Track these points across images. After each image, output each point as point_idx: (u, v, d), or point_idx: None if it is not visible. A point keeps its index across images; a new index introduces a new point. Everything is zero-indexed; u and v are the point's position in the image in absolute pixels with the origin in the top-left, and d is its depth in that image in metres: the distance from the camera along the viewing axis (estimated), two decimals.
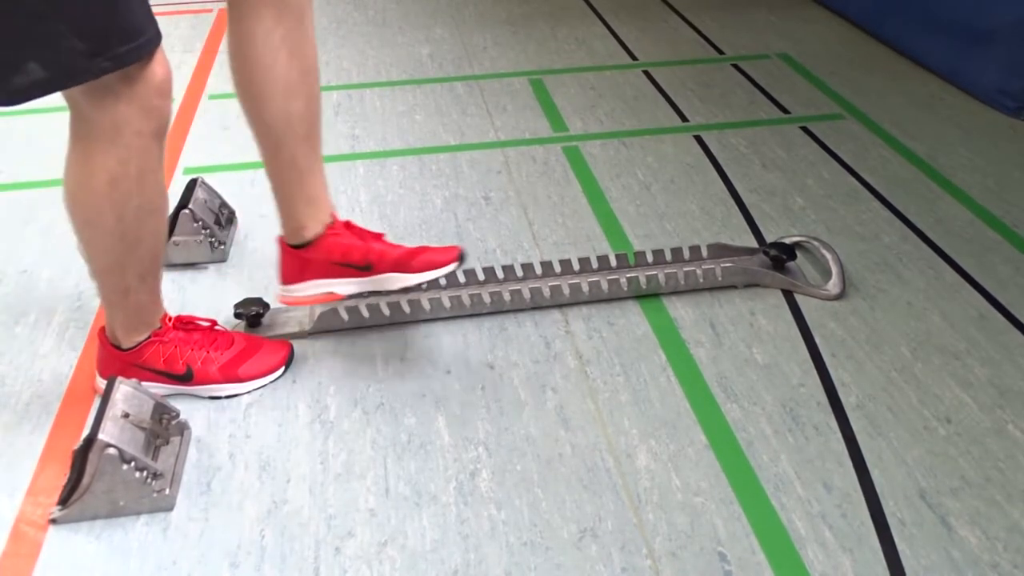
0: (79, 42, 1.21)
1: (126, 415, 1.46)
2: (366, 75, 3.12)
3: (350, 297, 1.87)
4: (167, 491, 1.46)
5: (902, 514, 1.46)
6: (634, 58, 3.28)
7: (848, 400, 1.69)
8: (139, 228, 1.45)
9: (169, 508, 1.46)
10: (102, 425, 1.40)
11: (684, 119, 2.81)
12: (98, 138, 1.34)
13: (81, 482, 1.41)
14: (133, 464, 1.41)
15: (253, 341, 1.73)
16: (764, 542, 1.41)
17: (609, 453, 1.57)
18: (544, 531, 1.42)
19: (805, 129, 2.74)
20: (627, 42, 3.43)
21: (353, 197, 2.36)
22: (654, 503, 1.47)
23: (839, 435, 1.61)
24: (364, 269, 1.64)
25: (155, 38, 1.31)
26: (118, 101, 1.30)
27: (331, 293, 1.68)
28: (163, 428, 1.53)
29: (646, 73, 3.15)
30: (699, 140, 2.67)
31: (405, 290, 1.90)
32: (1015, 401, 1.69)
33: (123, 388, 1.50)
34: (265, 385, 1.71)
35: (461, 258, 1.64)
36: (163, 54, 1.34)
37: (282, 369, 1.73)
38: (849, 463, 1.55)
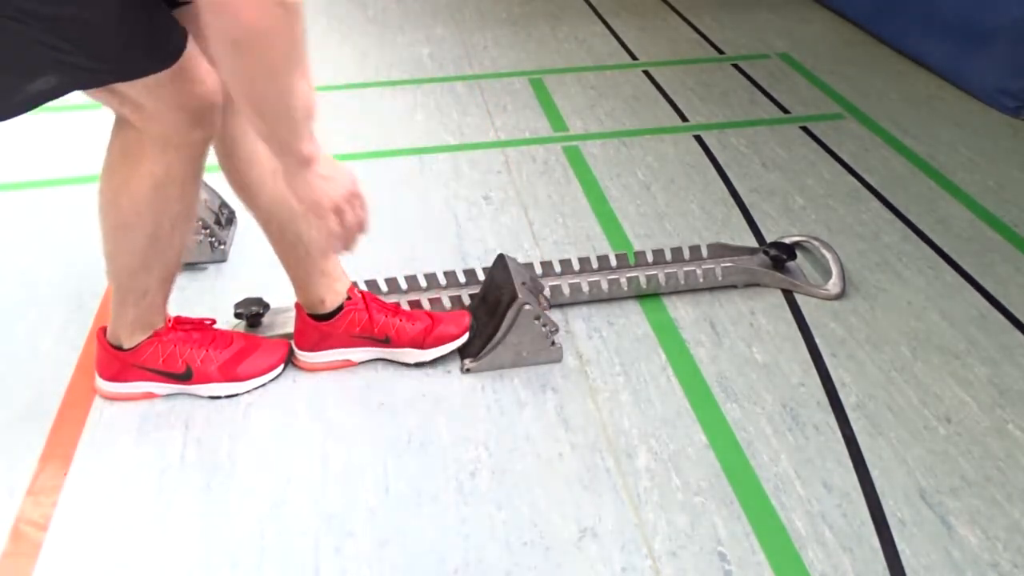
0: (85, 60, 1.20)
1: (523, 283, 1.73)
2: (366, 75, 3.12)
3: None
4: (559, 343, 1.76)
5: (902, 513, 1.46)
6: (634, 58, 3.28)
7: (848, 400, 1.69)
8: (172, 234, 1.47)
9: (559, 359, 1.76)
10: (518, 289, 1.68)
11: (684, 119, 2.81)
12: (148, 147, 1.35)
13: (495, 336, 1.69)
14: (540, 320, 1.69)
15: (252, 340, 1.73)
16: (764, 542, 1.41)
17: (609, 453, 1.57)
18: (544, 531, 1.42)
19: (805, 129, 2.74)
20: (627, 42, 3.43)
21: None
22: (654, 503, 1.47)
23: (839, 435, 1.61)
24: (383, 341, 1.72)
25: (174, 52, 1.28)
26: (171, 112, 1.31)
27: (349, 360, 1.74)
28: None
29: (646, 73, 3.15)
30: (699, 140, 2.67)
31: (405, 291, 1.91)
32: (1015, 401, 1.69)
33: None
34: (264, 384, 1.71)
35: (471, 329, 1.76)
36: (206, 63, 1.33)
37: (281, 368, 1.73)
38: (849, 463, 1.55)
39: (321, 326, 1.69)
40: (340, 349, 1.72)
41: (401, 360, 1.75)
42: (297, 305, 1.70)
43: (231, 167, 1.51)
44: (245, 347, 1.71)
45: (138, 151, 1.37)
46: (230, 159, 1.50)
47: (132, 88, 1.27)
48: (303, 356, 1.74)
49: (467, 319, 1.76)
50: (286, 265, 1.64)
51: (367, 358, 1.75)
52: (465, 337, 1.75)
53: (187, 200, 1.46)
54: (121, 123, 1.37)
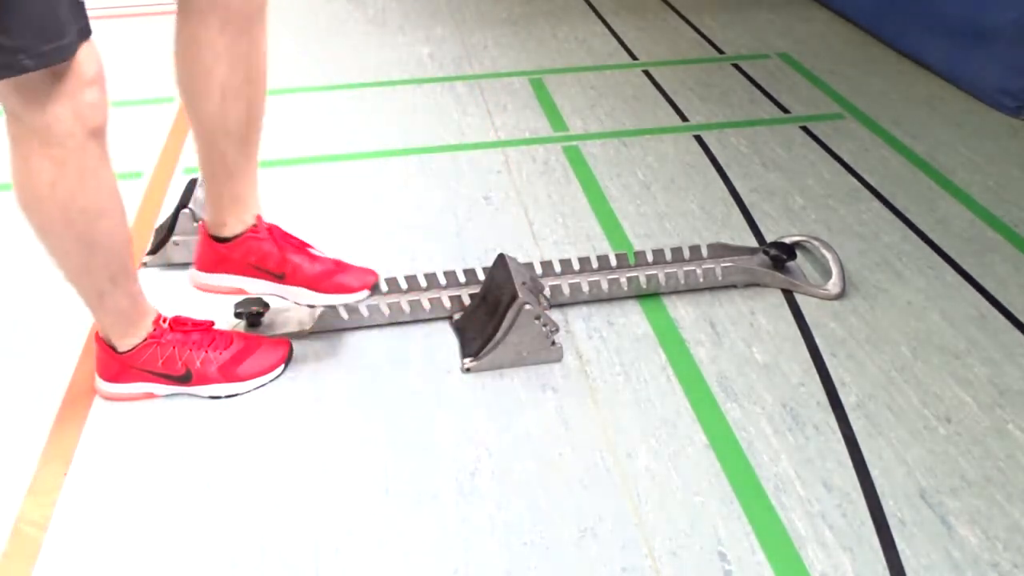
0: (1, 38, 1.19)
1: (523, 283, 1.75)
2: (366, 75, 3.12)
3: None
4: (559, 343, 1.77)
5: (902, 513, 1.46)
6: (634, 57, 3.28)
7: (848, 400, 1.69)
8: (91, 231, 1.43)
9: (559, 359, 1.77)
10: (518, 289, 1.70)
11: (684, 119, 2.81)
12: (33, 140, 1.33)
13: (495, 336, 1.70)
14: (540, 320, 1.70)
15: (252, 340, 1.73)
16: (764, 542, 1.41)
17: (609, 453, 1.57)
18: (544, 531, 1.42)
19: (805, 129, 2.74)
20: (627, 41, 3.43)
21: (353, 197, 2.36)
22: (654, 503, 1.47)
23: (839, 435, 1.61)
24: (278, 276, 1.67)
25: (80, 36, 1.28)
26: (48, 100, 1.28)
27: (241, 289, 1.69)
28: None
29: (646, 73, 3.15)
30: (699, 140, 2.67)
31: (405, 291, 1.91)
32: (1015, 401, 1.69)
33: None
34: (265, 384, 1.71)
35: (374, 288, 1.71)
36: (94, 50, 1.32)
37: (282, 367, 1.73)
38: (849, 463, 1.55)
39: (219, 247, 1.64)
40: (236, 276, 1.67)
41: (294, 299, 1.69)
42: (202, 224, 1.67)
43: (180, 65, 1.47)
44: (245, 347, 1.71)
45: (26, 146, 1.34)
46: (184, 62, 1.47)
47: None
48: (197, 276, 1.69)
49: (373, 278, 1.71)
50: (204, 177, 1.61)
51: (261, 291, 1.69)
52: (364, 294, 1.70)
53: (93, 195, 1.40)
54: (10, 124, 1.34)
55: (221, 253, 1.65)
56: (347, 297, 1.69)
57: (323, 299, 1.69)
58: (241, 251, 1.64)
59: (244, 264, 1.65)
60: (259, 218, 1.65)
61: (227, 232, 1.63)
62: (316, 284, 1.67)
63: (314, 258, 1.69)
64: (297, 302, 1.70)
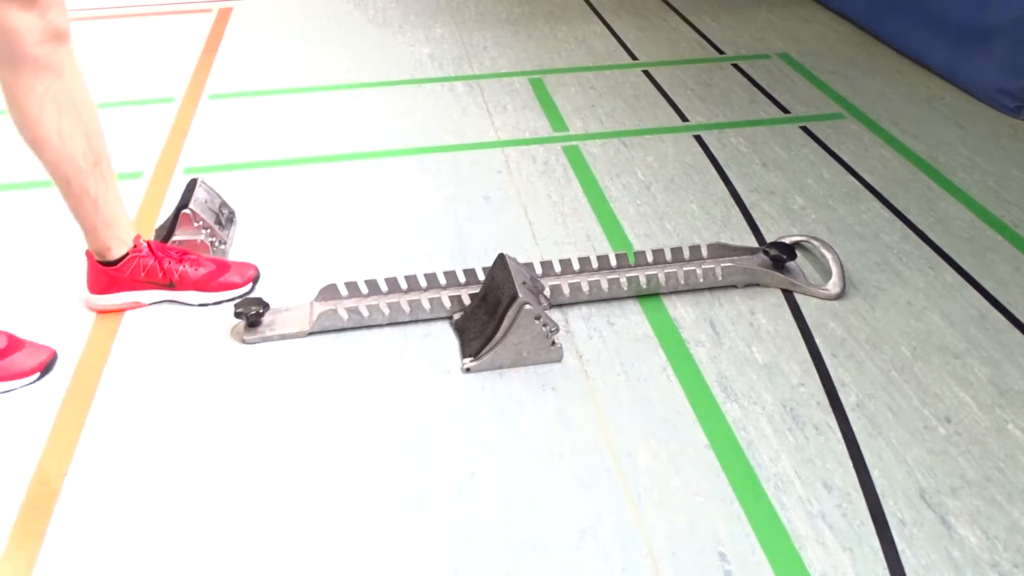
0: None
1: (523, 283, 1.76)
2: (366, 75, 3.12)
3: (349, 297, 1.88)
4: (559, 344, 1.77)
5: (902, 514, 1.46)
6: (634, 57, 3.28)
7: (848, 400, 1.69)
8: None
9: (559, 359, 1.76)
10: (518, 289, 1.71)
11: (684, 119, 2.81)
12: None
13: (495, 336, 1.71)
14: (540, 320, 1.71)
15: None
16: (764, 542, 1.41)
17: (609, 453, 1.57)
18: (544, 531, 1.42)
19: (805, 129, 2.74)
20: (627, 41, 3.43)
21: (354, 197, 2.36)
22: (654, 503, 1.47)
23: (839, 435, 1.61)
24: (167, 285, 1.90)
25: None
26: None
27: (138, 302, 1.90)
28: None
29: (646, 73, 3.15)
30: (699, 140, 2.67)
31: (405, 291, 1.91)
32: (1015, 401, 1.69)
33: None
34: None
35: (255, 280, 1.98)
36: None
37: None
38: (849, 463, 1.55)
39: (108, 271, 1.82)
40: (129, 292, 1.87)
41: (185, 301, 1.91)
42: (87, 252, 1.83)
43: (11, 115, 1.59)
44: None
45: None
46: (17, 115, 1.59)
47: None
48: (95, 299, 1.87)
49: (253, 271, 1.98)
50: (73, 214, 1.75)
51: (156, 299, 1.91)
52: (249, 287, 1.95)
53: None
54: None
55: (111, 275, 1.84)
56: (234, 292, 1.94)
57: (214, 296, 1.92)
58: (129, 271, 1.85)
59: (134, 281, 1.87)
60: (138, 238, 1.87)
61: (113, 256, 1.82)
62: (204, 286, 1.91)
63: (196, 263, 1.92)
64: (189, 303, 1.91)
